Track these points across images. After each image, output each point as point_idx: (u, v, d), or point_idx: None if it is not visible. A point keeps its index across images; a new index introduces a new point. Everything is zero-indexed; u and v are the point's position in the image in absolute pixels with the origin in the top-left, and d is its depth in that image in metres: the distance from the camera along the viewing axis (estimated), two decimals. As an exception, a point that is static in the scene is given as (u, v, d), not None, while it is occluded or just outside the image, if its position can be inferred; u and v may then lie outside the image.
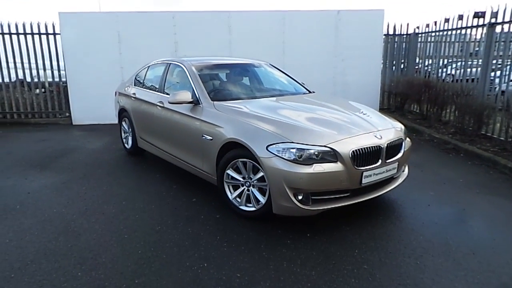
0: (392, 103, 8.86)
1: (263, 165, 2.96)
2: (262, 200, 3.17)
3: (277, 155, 2.91)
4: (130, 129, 5.39)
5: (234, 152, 3.27)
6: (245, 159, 3.18)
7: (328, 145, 2.92)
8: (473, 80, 6.78)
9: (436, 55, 7.93)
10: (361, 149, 3.00)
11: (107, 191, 4.08)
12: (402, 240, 2.96)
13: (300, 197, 2.92)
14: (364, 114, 3.67)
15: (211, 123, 3.53)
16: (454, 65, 7.78)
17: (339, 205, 3.00)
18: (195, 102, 3.84)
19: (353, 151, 2.95)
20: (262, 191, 3.18)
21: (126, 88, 5.54)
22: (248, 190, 3.28)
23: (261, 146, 3.00)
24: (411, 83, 7.76)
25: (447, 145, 5.88)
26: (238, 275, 2.50)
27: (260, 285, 2.39)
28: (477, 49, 7.26)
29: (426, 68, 8.43)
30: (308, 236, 3.00)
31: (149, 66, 5.22)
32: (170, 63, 4.64)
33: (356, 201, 3.06)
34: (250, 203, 3.28)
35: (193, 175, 4.04)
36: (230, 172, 3.33)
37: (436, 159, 5.30)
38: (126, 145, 5.64)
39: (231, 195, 3.39)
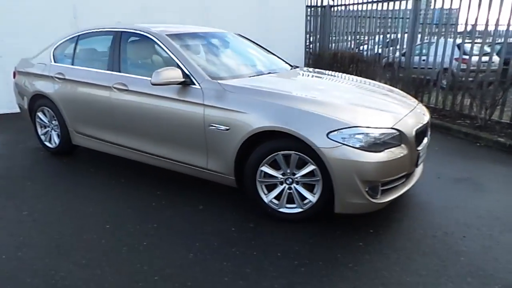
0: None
1: (324, 157, 2.41)
2: (312, 198, 2.63)
3: (343, 144, 2.39)
4: (54, 122, 4.02)
5: (272, 144, 2.60)
6: (289, 152, 2.56)
7: (394, 127, 2.54)
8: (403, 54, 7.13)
9: (354, 30, 8.24)
10: (419, 128, 2.71)
11: (68, 212, 2.91)
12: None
13: (368, 190, 2.49)
14: (384, 89, 3.38)
15: (226, 108, 2.74)
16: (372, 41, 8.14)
17: (401, 192, 2.68)
18: (189, 82, 2.95)
19: (416, 131, 2.65)
20: (310, 188, 2.65)
21: (39, 67, 4.07)
22: (289, 188, 2.68)
23: (318, 134, 2.43)
24: (337, 56, 7.90)
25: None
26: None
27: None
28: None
29: (345, 43, 8.70)
30: (372, 233, 2.63)
31: (78, 37, 3.88)
32: (122, 33, 3.50)
33: (410, 186, 2.79)
34: (292, 203, 2.71)
35: (171, 175, 3.19)
36: (266, 168, 2.67)
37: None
38: (47, 143, 4.21)
39: (266, 196, 2.74)
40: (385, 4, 7.52)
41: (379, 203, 2.52)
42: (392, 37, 7.57)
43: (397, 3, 7.26)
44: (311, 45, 9.36)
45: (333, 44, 8.92)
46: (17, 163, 3.94)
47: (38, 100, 4.11)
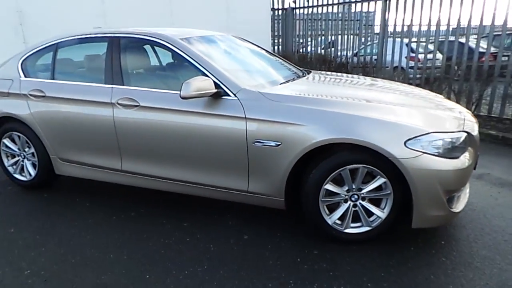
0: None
1: (404, 168, 2.16)
2: (381, 214, 2.37)
3: (424, 152, 2.17)
4: (29, 150, 3.30)
5: (338, 157, 2.29)
6: (357, 165, 2.28)
7: (464, 130, 2.37)
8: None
9: (320, 32, 8.29)
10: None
11: (85, 261, 2.31)
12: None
13: (447, 201, 2.29)
14: (409, 88, 3.24)
15: (275, 120, 2.38)
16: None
17: (467, 198, 2.54)
18: (222, 93, 2.53)
19: (478, 132, 2.52)
20: (376, 204, 2.39)
21: (2, 84, 3.32)
22: (354, 206, 2.40)
23: (395, 144, 2.18)
24: (306, 58, 7.83)
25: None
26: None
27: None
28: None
29: (309, 44, 8.71)
30: (445, 244, 2.44)
31: (57, 45, 3.21)
32: (121, 38, 2.95)
33: (468, 189, 2.66)
34: (358, 222, 2.43)
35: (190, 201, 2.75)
36: (330, 186, 2.35)
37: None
38: (18, 175, 3.45)
39: (330, 217, 2.42)
40: (346, 5, 7.68)
41: (456, 212, 2.34)
42: (332, 39, 8.09)
43: (359, 4, 7.47)
44: (279, 48, 9.24)
45: (296, 46, 8.89)
46: (-16, 205, 3.15)
47: (3, 125, 3.35)
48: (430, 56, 6.49)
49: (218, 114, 2.51)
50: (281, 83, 2.86)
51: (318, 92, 2.65)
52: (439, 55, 6.66)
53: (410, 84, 5.81)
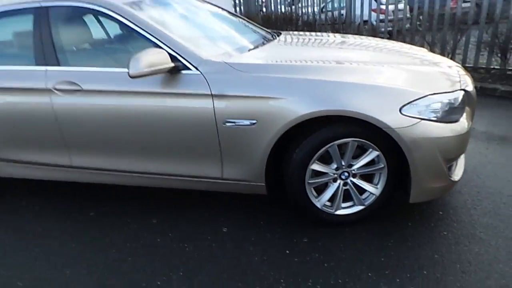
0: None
1: (401, 139, 1.87)
2: (374, 191, 2.11)
3: (422, 118, 1.88)
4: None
5: (325, 133, 1.97)
6: (347, 139, 1.97)
7: (462, 88, 2.09)
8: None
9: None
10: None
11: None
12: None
13: (447, 169, 2.05)
14: (392, 43, 2.92)
15: (247, 95, 2.01)
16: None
17: (464, 163, 2.32)
18: (180, 67, 2.11)
19: (473, 87, 2.26)
20: (369, 180, 2.12)
21: None
22: (344, 184, 2.12)
23: (389, 112, 1.87)
24: (271, 18, 7.34)
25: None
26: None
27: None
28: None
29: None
30: (442, 215, 2.23)
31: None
32: (49, 9, 2.40)
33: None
34: (349, 201, 2.17)
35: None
36: (317, 166, 2.04)
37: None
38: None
39: (318, 200, 2.13)
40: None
41: (455, 181, 2.11)
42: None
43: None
44: (240, 9, 8.67)
45: (259, 6, 8.35)
46: None
47: None
48: (401, 6, 6.19)
49: (178, 93, 2.10)
50: (249, 50, 2.46)
51: (294, 57, 2.27)
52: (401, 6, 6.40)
53: (382, 38, 5.51)
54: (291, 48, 2.69)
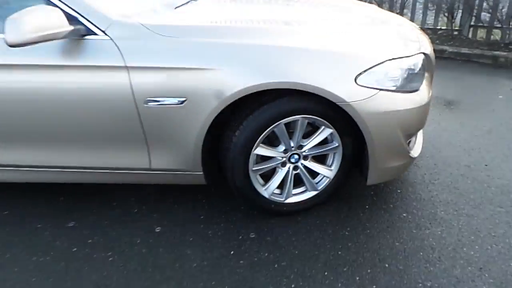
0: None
1: (357, 114, 1.59)
2: (328, 173, 1.85)
3: (380, 88, 1.61)
4: None
5: (269, 111, 1.63)
6: (295, 117, 1.66)
7: (422, 51, 1.83)
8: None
9: None
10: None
11: None
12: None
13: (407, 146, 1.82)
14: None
15: (172, 67, 1.60)
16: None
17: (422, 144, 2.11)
18: (82, 31, 1.64)
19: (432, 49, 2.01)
20: (322, 161, 1.85)
21: None
22: (295, 168, 1.83)
23: (343, 83, 1.58)
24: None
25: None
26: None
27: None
28: None
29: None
30: (400, 193, 2.03)
31: None
32: None
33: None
34: (301, 186, 1.89)
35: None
36: (261, 150, 1.72)
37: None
38: None
39: (266, 189, 1.82)
40: None
41: (414, 157, 1.90)
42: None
43: None
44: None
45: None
46: None
47: None
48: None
49: (81, 66, 1.63)
50: (176, 7, 2.01)
51: (231, 17, 1.87)
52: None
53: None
54: (226, 5, 2.26)
